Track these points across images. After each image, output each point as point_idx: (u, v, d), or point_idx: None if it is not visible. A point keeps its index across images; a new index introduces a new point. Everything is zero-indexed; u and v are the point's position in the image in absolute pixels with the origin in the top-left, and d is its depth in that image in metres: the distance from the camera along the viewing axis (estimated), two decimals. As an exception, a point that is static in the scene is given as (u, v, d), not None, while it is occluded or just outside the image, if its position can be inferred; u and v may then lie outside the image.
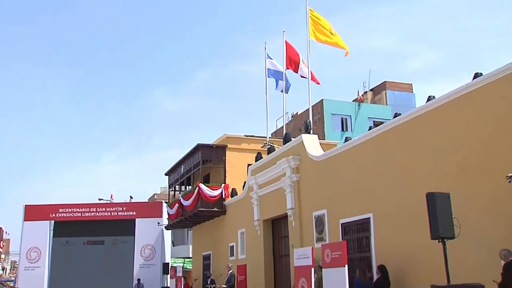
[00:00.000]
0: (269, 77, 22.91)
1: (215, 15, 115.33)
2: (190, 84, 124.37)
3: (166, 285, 29.14)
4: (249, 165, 21.65)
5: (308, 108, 19.85)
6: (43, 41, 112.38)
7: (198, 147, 24.81)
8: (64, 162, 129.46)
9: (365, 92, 41.46)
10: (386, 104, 39.70)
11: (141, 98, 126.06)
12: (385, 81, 41.40)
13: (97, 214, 31.72)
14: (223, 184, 24.13)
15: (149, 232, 31.01)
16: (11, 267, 76.76)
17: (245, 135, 25.86)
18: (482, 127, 10.25)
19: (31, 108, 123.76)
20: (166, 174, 30.09)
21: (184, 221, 26.47)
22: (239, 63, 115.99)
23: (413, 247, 11.62)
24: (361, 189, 13.85)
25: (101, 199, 36.69)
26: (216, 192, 23.76)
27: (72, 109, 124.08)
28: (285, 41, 21.42)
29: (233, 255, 22.54)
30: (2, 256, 65.91)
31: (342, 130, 37.12)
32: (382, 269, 12.03)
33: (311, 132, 17.62)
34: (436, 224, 8.91)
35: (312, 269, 12.95)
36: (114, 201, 35.81)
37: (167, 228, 30.19)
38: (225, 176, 24.65)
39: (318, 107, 36.98)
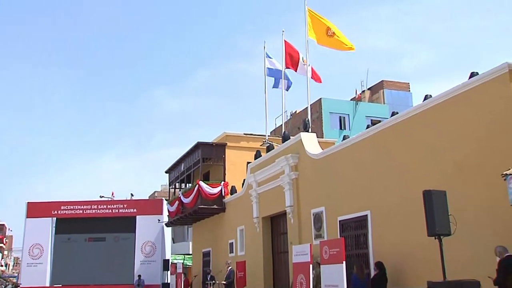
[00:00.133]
0: (268, 76, 22.92)
1: (215, 15, 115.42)
2: (190, 83, 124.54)
3: (166, 281, 29.18)
4: (248, 163, 21.70)
5: (307, 107, 19.90)
6: (43, 41, 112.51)
7: (198, 145, 24.88)
8: (66, 161, 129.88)
9: (363, 91, 41.49)
10: (384, 103, 39.77)
11: (141, 97, 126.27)
12: (382, 80, 41.52)
13: (99, 211, 31.76)
14: (222, 182, 24.17)
15: (150, 229, 31.02)
16: (14, 263, 77.09)
17: (244, 134, 25.88)
18: (478, 125, 10.31)
19: (32, 108, 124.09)
20: (166, 172, 30.17)
21: (184, 218, 26.56)
22: (239, 63, 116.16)
23: (410, 244, 11.69)
24: (359, 186, 13.90)
25: (102, 197, 36.90)
26: (215, 190, 23.81)
27: (73, 108, 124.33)
28: (284, 40, 21.41)
29: (233, 252, 22.59)
30: (5, 252, 66.22)
31: (340, 128, 37.15)
32: (379, 265, 12.12)
33: (310, 131, 17.70)
34: (432, 221, 8.95)
35: (311, 266, 12.94)
36: (115, 199, 35.87)
37: (167, 225, 30.27)
38: (224, 174, 24.69)
39: (317, 106, 37.00)
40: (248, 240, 21.22)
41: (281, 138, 19.85)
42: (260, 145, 22.98)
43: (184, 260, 35.23)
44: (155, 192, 53.06)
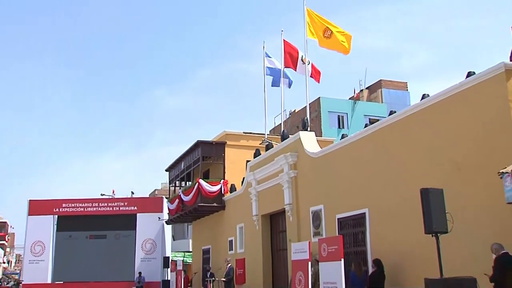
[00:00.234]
0: (267, 74, 22.93)
1: (215, 15, 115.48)
2: (190, 82, 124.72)
3: (166, 278, 29.18)
4: (247, 161, 21.75)
5: (306, 106, 20.00)
6: (44, 41, 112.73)
7: (198, 144, 24.95)
8: (67, 159, 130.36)
9: (361, 90, 41.61)
10: (382, 102, 39.91)
11: (141, 97, 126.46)
12: (380, 80, 41.68)
13: (100, 209, 31.85)
14: (222, 180, 24.24)
15: (150, 227, 31.10)
16: (16, 260, 77.45)
17: (244, 132, 25.97)
18: (475, 124, 10.36)
19: (33, 107, 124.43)
20: (166, 170, 30.23)
21: (184, 216, 26.65)
22: (239, 62, 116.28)
23: (407, 242, 11.74)
24: (357, 185, 13.95)
25: (103, 195, 36.95)
26: (215, 188, 23.87)
27: (73, 108, 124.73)
28: (284, 39, 21.44)
29: (232, 249, 22.66)
30: (7, 249, 66.45)
31: (339, 127, 37.29)
32: (377, 262, 12.19)
33: (309, 129, 17.78)
34: (429, 219, 9.02)
35: (309, 263, 12.97)
36: (116, 197, 35.92)
37: (167, 222, 30.33)
38: (224, 172, 24.77)
39: (315, 105, 37.16)
40: (248, 238, 21.29)
41: (280, 136, 19.89)
42: (260, 144, 23.02)
43: (184, 257, 35.39)
44: (155, 190, 53.24)
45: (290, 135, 18.73)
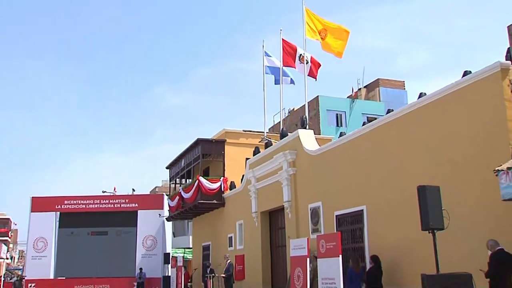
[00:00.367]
0: (267, 73, 22.97)
1: (215, 15, 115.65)
2: (191, 82, 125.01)
3: (167, 274, 29.34)
4: (247, 159, 21.85)
5: (304, 104, 20.14)
6: (45, 41, 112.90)
7: (198, 142, 25.04)
8: (69, 157, 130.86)
9: (359, 89, 41.88)
10: (379, 101, 40.11)
11: (142, 96, 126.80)
12: (378, 79, 41.92)
13: (101, 206, 31.98)
14: (222, 177, 24.33)
15: (151, 223, 31.20)
16: (19, 256, 77.74)
17: (243, 130, 26.05)
18: (471, 123, 10.41)
19: (35, 105, 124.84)
20: (167, 168, 30.37)
21: (185, 212, 26.78)
22: (239, 62, 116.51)
23: (405, 238, 11.80)
24: (355, 182, 14.02)
25: (105, 192, 36.90)
26: (215, 185, 23.99)
27: (75, 106, 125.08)
28: (282, 39, 21.50)
29: (232, 246, 22.74)
30: (11, 245, 66.72)
31: (337, 125, 37.51)
32: (375, 259, 12.23)
33: (307, 127, 17.83)
34: (426, 216, 9.06)
35: (308, 259, 13.14)
36: (117, 194, 35.96)
37: (168, 219, 30.46)
38: (224, 170, 24.87)
39: (314, 103, 37.36)
40: (247, 234, 21.38)
41: (279, 134, 20.02)
42: (259, 142, 23.13)
43: (184, 253, 35.39)
44: (156, 187, 53.36)
45: (289, 133, 18.82)
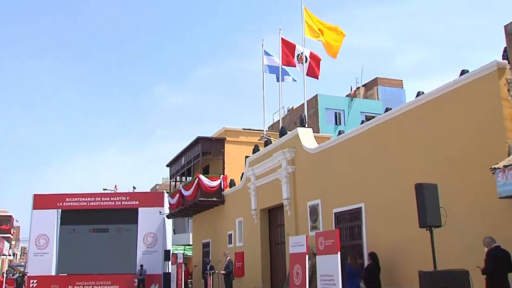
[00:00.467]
0: (266, 72, 23.03)
1: (215, 15, 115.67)
2: (191, 81, 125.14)
3: (167, 271, 29.51)
4: (246, 157, 21.92)
5: (303, 103, 20.28)
6: (45, 41, 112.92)
7: (198, 140, 25.11)
8: (70, 155, 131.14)
9: (358, 88, 41.98)
10: (378, 99, 40.27)
11: (143, 95, 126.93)
12: (376, 77, 42.09)
13: (102, 203, 32.08)
14: (222, 175, 24.41)
15: (151, 221, 31.30)
16: (21, 253, 78.02)
17: (243, 129, 26.11)
18: (469, 121, 10.47)
19: (37, 104, 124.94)
20: (167, 166, 30.46)
21: (185, 210, 26.88)
22: (239, 61, 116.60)
23: (403, 235, 11.86)
24: (353, 180, 14.08)
25: (106, 189, 37.14)
26: (215, 183, 24.06)
27: (76, 105, 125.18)
28: (282, 38, 21.56)
29: (231, 243, 22.81)
30: (13, 242, 66.88)
31: (336, 124, 37.62)
32: (373, 256, 12.32)
33: (306, 126, 17.91)
34: (424, 213, 9.10)
35: (307, 256, 13.18)
36: (118, 191, 36.05)
37: (168, 217, 30.60)
38: (223, 168, 24.95)
39: (313, 102, 37.42)
40: (247, 232, 21.45)
41: (278, 133, 20.09)
42: (258, 140, 23.21)
43: (184, 250, 35.63)
44: (156, 185, 53.49)
45: (288, 131, 18.87)
